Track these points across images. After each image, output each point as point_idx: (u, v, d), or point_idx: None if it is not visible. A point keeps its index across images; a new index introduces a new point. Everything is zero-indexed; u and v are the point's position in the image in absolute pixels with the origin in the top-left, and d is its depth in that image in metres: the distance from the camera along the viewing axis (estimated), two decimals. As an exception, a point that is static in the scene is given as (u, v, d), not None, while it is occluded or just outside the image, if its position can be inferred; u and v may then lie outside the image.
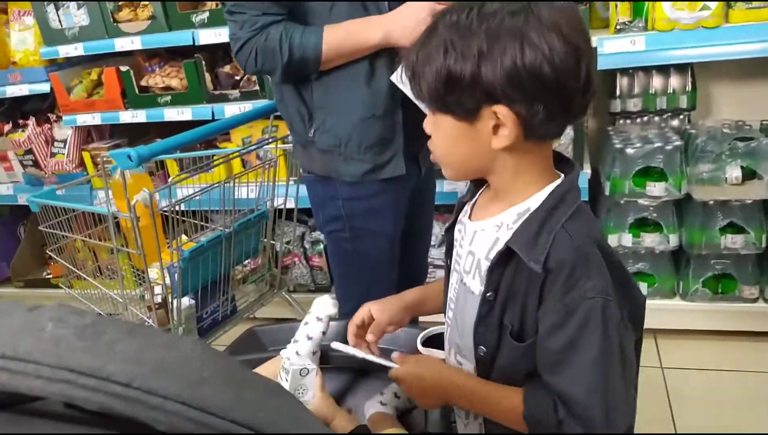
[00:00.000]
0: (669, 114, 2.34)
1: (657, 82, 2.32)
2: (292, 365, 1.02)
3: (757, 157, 1.97)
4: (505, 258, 0.85)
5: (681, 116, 2.33)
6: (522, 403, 0.85)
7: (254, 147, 1.94)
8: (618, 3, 2.01)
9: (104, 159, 1.52)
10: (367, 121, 1.45)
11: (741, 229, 2.02)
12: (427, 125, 0.89)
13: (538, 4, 0.78)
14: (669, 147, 2.04)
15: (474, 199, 0.98)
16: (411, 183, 1.61)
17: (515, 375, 0.88)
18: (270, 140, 1.86)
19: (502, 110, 0.79)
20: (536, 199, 0.85)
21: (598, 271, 0.80)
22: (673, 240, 2.09)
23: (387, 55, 1.44)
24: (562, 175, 0.88)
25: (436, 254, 2.39)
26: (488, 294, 0.87)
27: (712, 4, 1.91)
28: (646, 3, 2.00)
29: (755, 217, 2.01)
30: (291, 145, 1.79)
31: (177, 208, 1.60)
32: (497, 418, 0.91)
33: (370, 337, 1.10)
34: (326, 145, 1.48)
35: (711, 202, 2.02)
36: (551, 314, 0.81)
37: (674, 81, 2.30)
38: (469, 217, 0.96)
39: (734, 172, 1.98)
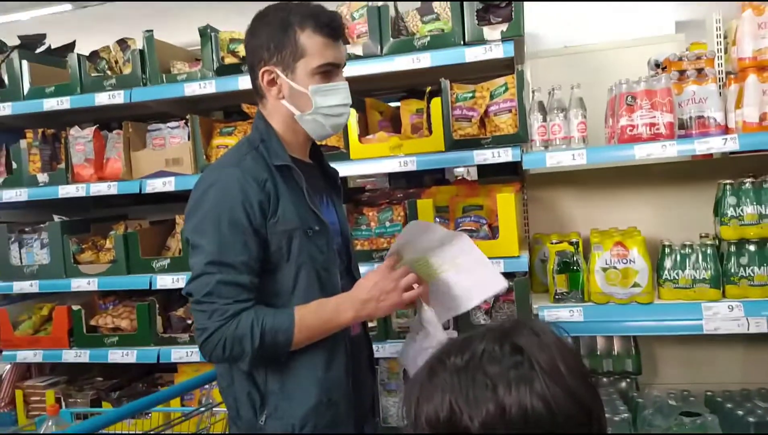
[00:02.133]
0: (616, 376, 2.36)
1: (601, 343, 2.39)
2: None
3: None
4: None
5: (628, 379, 2.34)
6: None
7: (192, 414, 1.86)
8: (555, 275, 2.14)
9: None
10: (323, 405, 1.44)
11: None
12: None
13: (534, 351, 0.80)
14: (617, 418, 2.02)
15: None
16: None
17: None
18: (210, 407, 1.79)
19: None
20: None
21: None
22: None
23: (344, 341, 1.49)
24: None
25: None
26: None
27: (643, 282, 2.05)
28: (582, 276, 2.13)
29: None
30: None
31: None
32: None
33: None
34: (277, 431, 1.42)
35: (665, 482, 1.94)
36: None
37: (617, 344, 2.37)
38: None
39: (685, 449, 1.94)
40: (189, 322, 2.55)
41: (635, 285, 2.05)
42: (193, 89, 2.40)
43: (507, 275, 2.30)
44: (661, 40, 2.59)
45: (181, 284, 2.44)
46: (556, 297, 2.14)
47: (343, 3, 2.32)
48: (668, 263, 2.07)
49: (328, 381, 1.46)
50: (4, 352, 2.66)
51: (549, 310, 2.10)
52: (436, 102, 2.17)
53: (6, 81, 2.65)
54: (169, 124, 2.55)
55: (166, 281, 2.45)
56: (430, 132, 2.20)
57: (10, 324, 2.65)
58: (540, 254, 2.37)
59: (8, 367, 2.72)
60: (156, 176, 2.45)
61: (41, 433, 1.82)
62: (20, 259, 2.65)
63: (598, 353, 2.36)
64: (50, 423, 1.84)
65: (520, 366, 0.79)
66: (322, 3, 1.53)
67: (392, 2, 2.29)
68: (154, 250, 2.64)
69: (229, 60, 2.40)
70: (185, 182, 2.40)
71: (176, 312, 2.57)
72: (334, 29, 1.46)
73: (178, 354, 2.46)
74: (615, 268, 2.06)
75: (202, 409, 1.84)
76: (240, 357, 1.38)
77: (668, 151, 1.94)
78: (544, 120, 2.07)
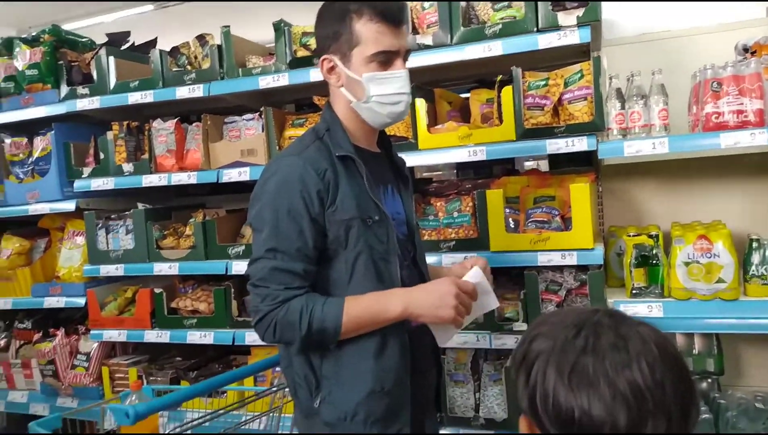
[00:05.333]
0: (696, 376, 2.25)
1: (681, 341, 2.28)
2: None
3: (795, 441, 1.83)
4: None
5: (709, 380, 2.23)
6: None
7: (264, 393, 1.92)
8: (633, 269, 2.06)
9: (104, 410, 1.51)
10: (376, 394, 1.44)
11: None
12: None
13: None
14: (698, 419, 1.93)
15: None
16: None
17: None
18: (282, 387, 1.85)
19: None
20: None
21: None
22: None
23: (398, 331, 1.48)
24: None
25: None
26: None
27: (728, 277, 1.94)
28: (661, 270, 2.05)
29: None
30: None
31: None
32: None
33: None
34: (331, 417, 1.44)
35: (750, 489, 1.84)
36: None
37: (698, 343, 2.25)
38: None
39: (773, 454, 1.83)
40: (261, 307, 2.63)
41: (720, 280, 1.94)
42: (267, 82, 2.47)
43: (580, 268, 2.25)
44: (750, 24, 2.42)
45: (255, 271, 2.52)
46: (633, 292, 2.06)
47: (414, -7, 2.32)
48: (756, 258, 1.96)
49: (380, 370, 1.45)
50: (92, 331, 2.84)
51: (625, 304, 2.02)
52: (507, 90, 2.14)
53: (95, 77, 2.81)
54: (244, 117, 2.64)
55: (240, 267, 2.54)
56: (501, 122, 2.17)
57: (98, 305, 2.82)
58: (615, 247, 2.29)
59: (95, 345, 2.90)
60: (232, 166, 2.55)
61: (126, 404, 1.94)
62: (107, 244, 2.82)
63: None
64: (134, 397, 1.95)
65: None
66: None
67: (463, -10, 2.27)
68: (230, 238, 2.74)
69: (302, 53, 2.45)
70: (259, 172, 2.46)
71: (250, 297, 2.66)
72: (390, 15, 1.44)
73: (251, 337, 2.54)
74: (698, 262, 1.96)
75: (275, 388, 1.90)
76: (290, 342, 1.42)
77: (757, 139, 1.83)
78: (623, 107, 1.99)
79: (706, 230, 1.99)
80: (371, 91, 1.46)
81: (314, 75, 2.38)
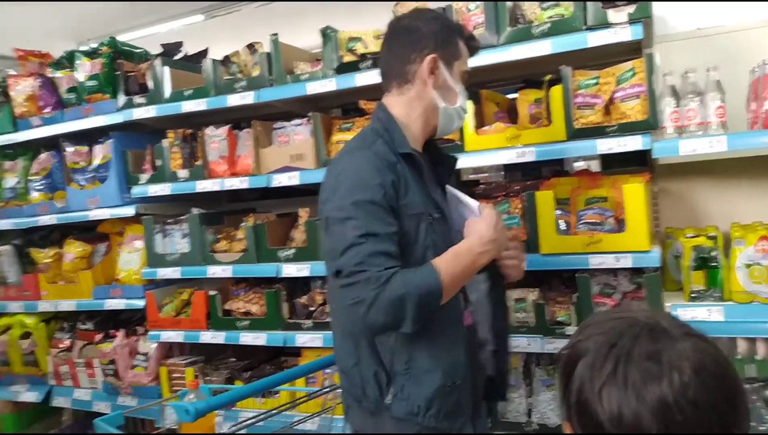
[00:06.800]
0: (760, 383, 2.16)
1: (742, 346, 2.20)
2: None
3: None
4: None
5: (774, 387, 2.14)
6: None
7: (316, 394, 1.96)
8: (691, 271, 2.00)
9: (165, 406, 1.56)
10: (446, 388, 1.47)
11: None
12: None
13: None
14: (762, 428, 1.85)
15: None
16: None
17: None
18: (334, 387, 1.88)
19: None
20: None
21: None
22: None
23: (461, 328, 1.53)
24: None
25: None
26: None
27: (792, 280, 1.86)
28: (721, 272, 1.98)
29: None
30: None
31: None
32: None
33: None
34: (403, 413, 1.46)
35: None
36: None
37: (762, 348, 2.16)
38: None
39: None
40: (311, 308, 2.67)
41: (784, 283, 1.87)
42: (314, 88, 2.51)
43: (636, 271, 2.19)
44: (812, 15, 2.31)
45: (305, 273, 2.56)
46: (692, 295, 2.00)
47: (460, -5, 2.32)
48: (824, 260, 1.87)
49: (450, 365, 1.49)
50: (150, 332, 2.94)
51: (684, 308, 1.96)
52: (556, 90, 2.11)
53: (150, 86, 2.92)
54: (293, 122, 2.69)
55: (291, 270, 2.59)
56: (550, 122, 2.14)
57: (156, 307, 2.92)
58: (672, 250, 2.23)
59: (154, 346, 3.00)
60: (281, 171, 2.60)
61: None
62: (164, 247, 2.92)
63: (740, 357, 2.17)
64: (191, 396, 2.01)
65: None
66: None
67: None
68: (280, 241, 2.79)
69: (348, 58, 2.48)
70: (308, 177, 2.52)
71: (300, 299, 2.71)
72: (476, 46, 1.72)
73: (301, 339, 2.59)
74: (760, 264, 1.89)
75: (327, 389, 1.93)
76: (401, 320, 1.34)
77: (824, 135, 1.75)
78: (677, 105, 1.93)
79: (767, 231, 1.91)
80: (459, 101, 1.64)
81: (360, 80, 2.40)
